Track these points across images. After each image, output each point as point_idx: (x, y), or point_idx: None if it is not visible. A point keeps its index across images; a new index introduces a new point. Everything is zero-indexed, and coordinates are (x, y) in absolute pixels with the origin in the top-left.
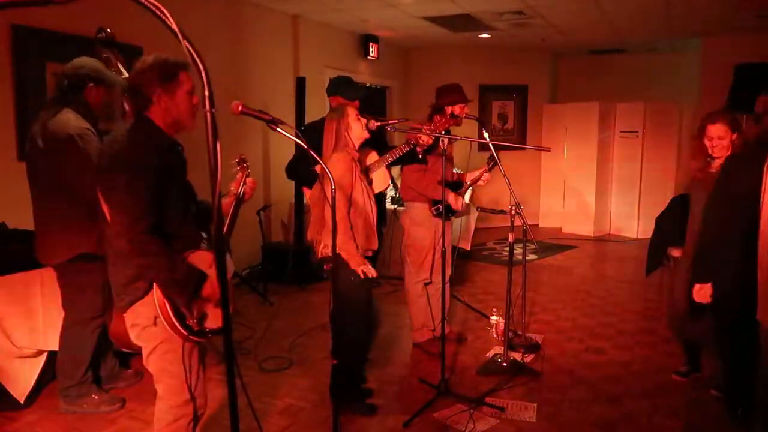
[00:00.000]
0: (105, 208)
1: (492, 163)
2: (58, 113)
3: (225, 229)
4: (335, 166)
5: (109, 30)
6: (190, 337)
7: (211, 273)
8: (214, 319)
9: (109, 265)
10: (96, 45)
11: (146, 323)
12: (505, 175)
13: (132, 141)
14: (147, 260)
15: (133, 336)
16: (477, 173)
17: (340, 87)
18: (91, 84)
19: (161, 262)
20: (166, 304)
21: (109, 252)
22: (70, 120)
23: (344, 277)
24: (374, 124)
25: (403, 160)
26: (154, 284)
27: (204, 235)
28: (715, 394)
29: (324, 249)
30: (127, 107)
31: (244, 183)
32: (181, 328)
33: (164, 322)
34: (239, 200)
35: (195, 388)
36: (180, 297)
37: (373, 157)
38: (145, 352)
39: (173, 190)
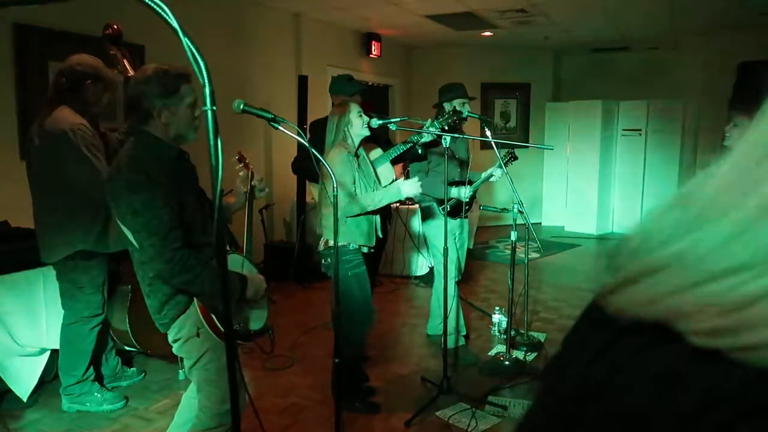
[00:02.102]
0: (129, 235)
1: (510, 157)
2: (55, 111)
3: (245, 230)
4: (332, 162)
5: (116, 26)
6: (237, 341)
7: (246, 273)
8: (256, 321)
9: (144, 294)
10: (103, 41)
11: (189, 335)
12: (507, 173)
13: (137, 160)
14: (190, 275)
15: (175, 349)
16: (489, 170)
17: (339, 84)
18: (89, 81)
19: (204, 273)
20: (210, 313)
21: (140, 279)
22: (65, 116)
23: (343, 272)
24: (376, 122)
25: (406, 157)
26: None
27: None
28: None
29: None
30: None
31: (251, 178)
32: None
33: (210, 331)
34: (252, 197)
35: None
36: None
37: (376, 152)
38: (187, 364)
39: (189, 200)
